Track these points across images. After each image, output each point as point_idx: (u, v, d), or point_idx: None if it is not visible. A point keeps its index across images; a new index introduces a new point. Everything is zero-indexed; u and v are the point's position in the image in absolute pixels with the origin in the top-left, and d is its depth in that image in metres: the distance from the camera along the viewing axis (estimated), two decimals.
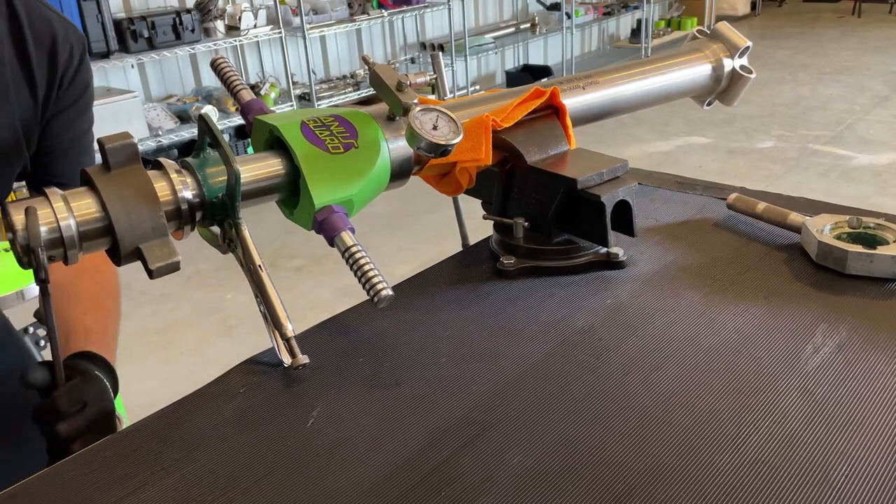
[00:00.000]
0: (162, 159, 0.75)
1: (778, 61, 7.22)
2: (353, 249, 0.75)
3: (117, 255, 0.70)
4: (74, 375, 0.84)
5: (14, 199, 0.79)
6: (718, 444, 0.65)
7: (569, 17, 6.62)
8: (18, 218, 0.66)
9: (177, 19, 4.14)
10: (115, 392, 0.90)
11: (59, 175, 1.00)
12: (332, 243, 0.78)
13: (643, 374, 0.75)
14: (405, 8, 5.39)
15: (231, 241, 0.79)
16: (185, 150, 4.43)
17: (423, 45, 5.99)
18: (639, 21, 7.51)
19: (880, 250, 0.89)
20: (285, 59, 4.70)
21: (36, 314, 0.90)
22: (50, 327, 0.76)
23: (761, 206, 1.03)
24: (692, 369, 0.75)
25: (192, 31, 4.21)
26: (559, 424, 0.69)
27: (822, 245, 0.91)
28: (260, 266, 0.78)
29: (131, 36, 4.00)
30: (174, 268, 0.70)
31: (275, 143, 0.82)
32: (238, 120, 4.35)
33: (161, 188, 0.72)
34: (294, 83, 4.85)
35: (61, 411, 0.80)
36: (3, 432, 1.05)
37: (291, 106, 4.71)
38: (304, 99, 4.90)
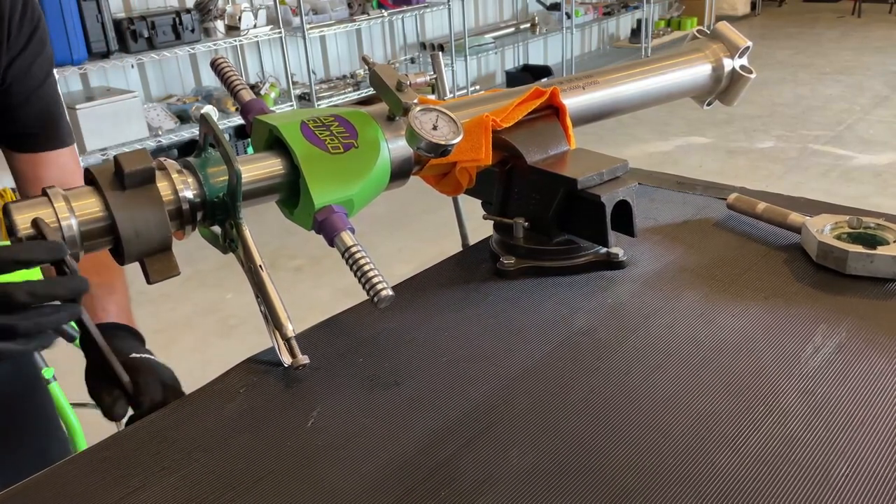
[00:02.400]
0: (163, 159, 0.75)
1: (778, 61, 7.21)
2: (353, 249, 0.75)
3: (120, 257, 0.71)
4: (132, 373, 0.80)
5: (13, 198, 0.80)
6: (718, 443, 0.65)
7: (569, 17, 6.61)
8: (20, 217, 0.66)
9: (177, 19, 4.13)
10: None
11: (25, 125, 1.02)
12: (332, 243, 0.78)
13: (643, 375, 0.75)
14: (405, 8, 5.38)
15: (232, 241, 0.79)
16: (186, 150, 4.42)
17: (423, 45, 5.98)
18: (639, 21, 7.50)
19: (880, 250, 0.89)
20: (285, 59, 4.69)
21: None
22: (84, 327, 0.74)
23: (761, 206, 1.03)
24: (692, 369, 0.75)
25: (192, 31, 4.20)
26: (559, 424, 0.69)
27: (823, 245, 0.91)
28: (261, 266, 0.78)
29: (131, 36, 3.99)
30: (173, 276, 0.73)
31: (275, 144, 0.82)
32: (238, 120, 4.35)
33: (163, 188, 0.72)
34: (294, 83, 4.84)
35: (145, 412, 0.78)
36: (2, 433, 1.05)
37: (291, 106, 4.71)
38: (304, 99, 4.90)
